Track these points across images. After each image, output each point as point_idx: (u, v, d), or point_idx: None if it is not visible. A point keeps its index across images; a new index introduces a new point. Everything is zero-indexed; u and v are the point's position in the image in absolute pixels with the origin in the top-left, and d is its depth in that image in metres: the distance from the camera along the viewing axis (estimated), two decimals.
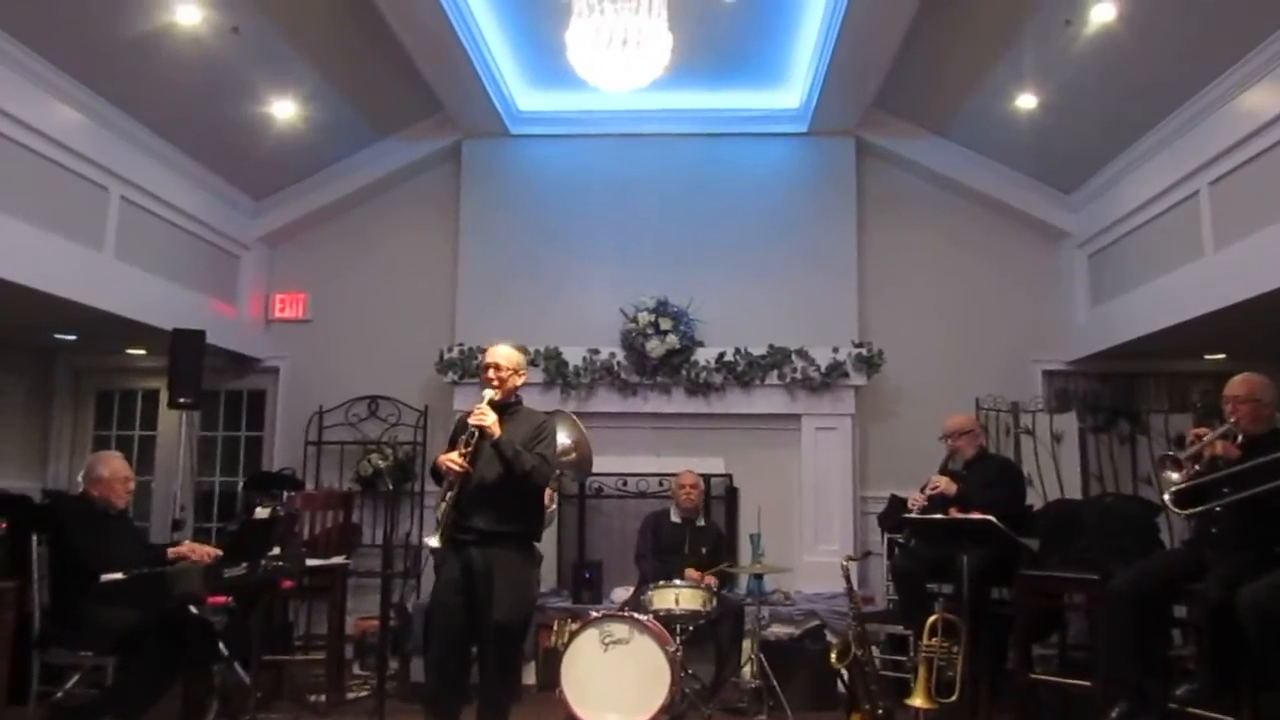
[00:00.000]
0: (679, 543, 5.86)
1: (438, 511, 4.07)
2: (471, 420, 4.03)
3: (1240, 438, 3.93)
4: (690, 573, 5.61)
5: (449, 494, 4.02)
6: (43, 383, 7.51)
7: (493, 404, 4.10)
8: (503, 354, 4.24)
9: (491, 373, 4.18)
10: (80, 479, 4.57)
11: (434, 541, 4.01)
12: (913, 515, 5.07)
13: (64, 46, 5.03)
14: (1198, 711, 3.83)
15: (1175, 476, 3.97)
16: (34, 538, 4.33)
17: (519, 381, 4.27)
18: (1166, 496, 4.00)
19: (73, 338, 6.83)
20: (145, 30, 5.11)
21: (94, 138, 5.53)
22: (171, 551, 4.50)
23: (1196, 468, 3.95)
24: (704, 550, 5.83)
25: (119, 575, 3.95)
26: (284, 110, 6.26)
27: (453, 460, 4.00)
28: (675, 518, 6.00)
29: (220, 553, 4.46)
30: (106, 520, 4.42)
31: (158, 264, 6.18)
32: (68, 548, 4.22)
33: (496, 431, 3.99)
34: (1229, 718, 3.71)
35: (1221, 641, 3.69)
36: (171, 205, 6.30)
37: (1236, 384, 4.05)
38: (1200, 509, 3.91)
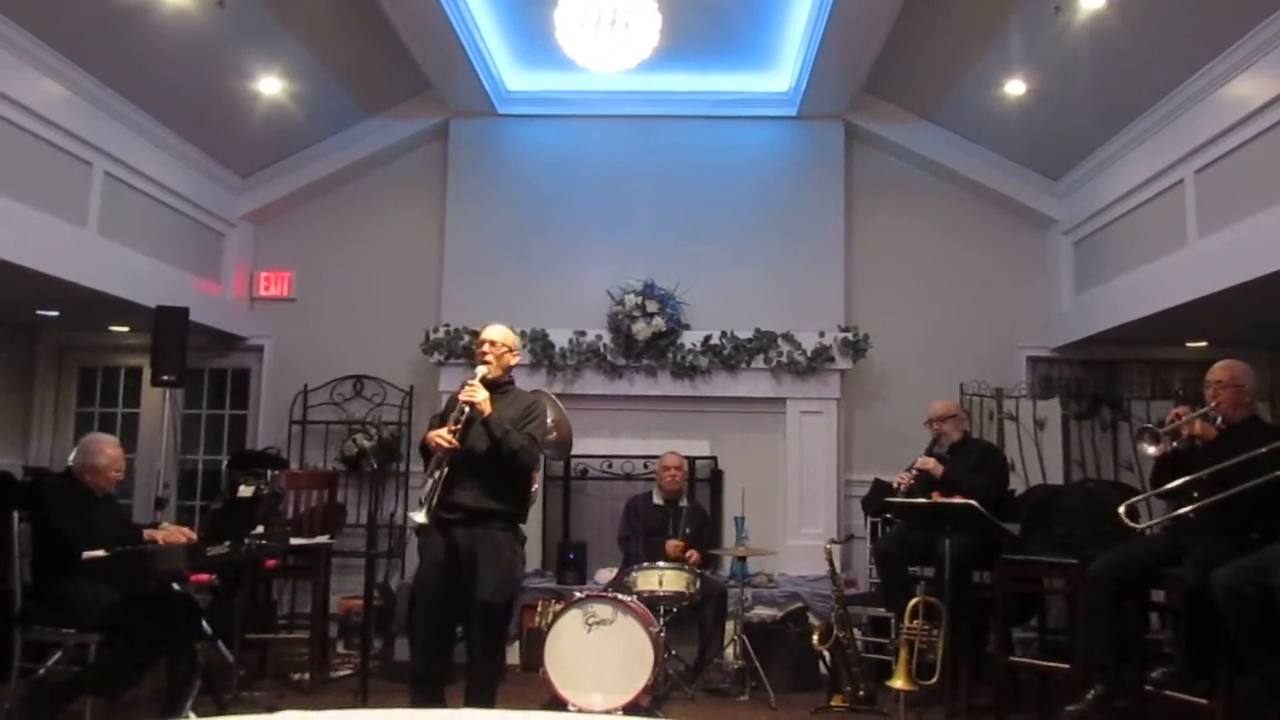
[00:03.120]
0: (662, 524, 5.89)
1: (424, 487, 4.03)
2: (462, 396, 4.01)
3: (1220, 421, 3.97)
4: (672, 545, 5.64)
5: (437, 471, 3.99)
6: (25, 359, 7.45)
7: (485, 382, 4.08)
8: (498, 332, 4.27)
9: (487, 348, 4.18)
10: (71, 459, 4.52)
11: (420, 517, 3.97)
12: (896, 499, 5.09)
13: (48, 20, 4.97)
14: (1173, 694, 3.88)
15: (1152, 450, 4.02)
16: (15, 515, 4.30)
17: (513, 361, 4.29)
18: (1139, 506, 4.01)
19: (55, 314, 6.78)
20: (130, 4, 5.05)
21: (78, 112, 5.47)
22: (148, 534, 4.46)
23: (1175, 445, 3.99)
24: (688, 530, 5.86)
25: (101, 553, 3.93)
26: (270, 87, 6.21)
27: (442, 436, 3.98)
28: (658, 499, 6.03)
29: (194, 535, 4.44)
30: (90, 499, 4.39)
31: (141, 241, 6.13)
32: (49, 526, 4.19)
33: (487, 408, 3.98)
34: (1204, 700, 3.76)
35: (1196, 625, 3.74)
36: (156, 181, 6.25)
37: (1219, 369, 4.09)
38: (1176, 484, 3.93)
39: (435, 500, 3.99)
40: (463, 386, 4.10)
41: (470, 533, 3.99)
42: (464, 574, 3.97)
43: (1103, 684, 3.88)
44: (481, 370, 4.12)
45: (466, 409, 4.00)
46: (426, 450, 4.11)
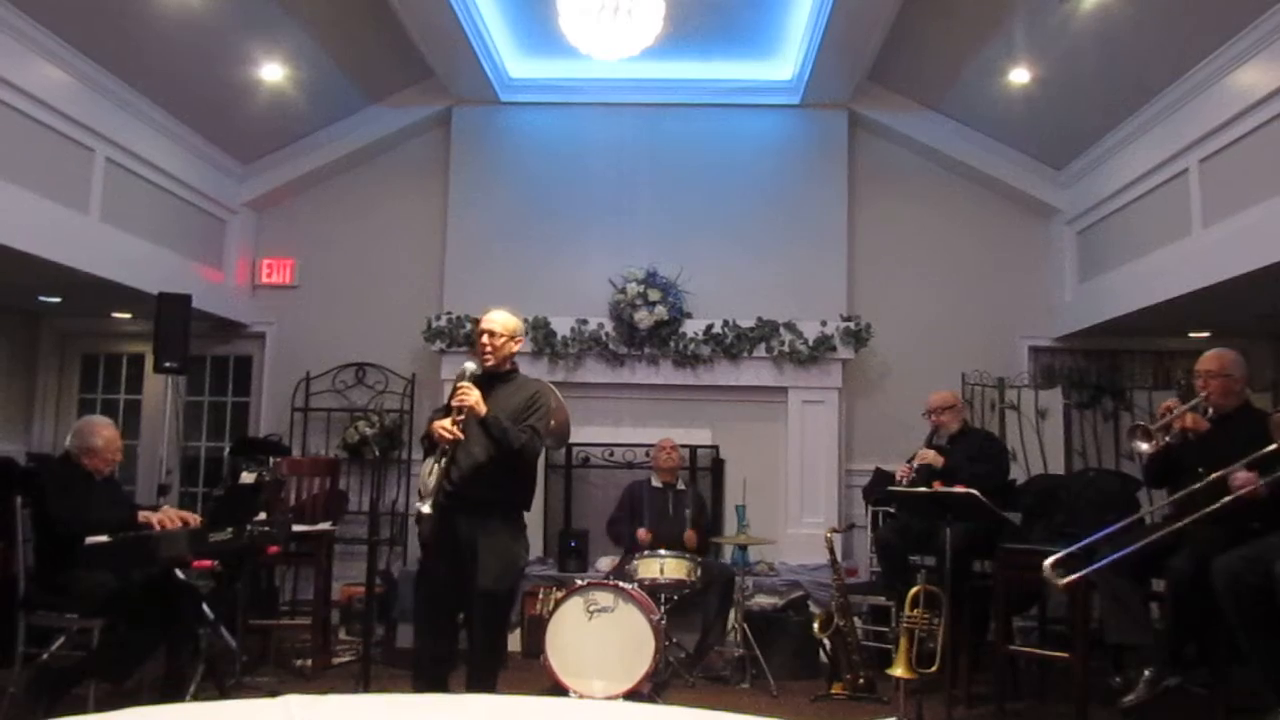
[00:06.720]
0: (662, 507, 5.90)
1: (426, 477, 3.96)
2: (454, 401, 3.91)
3: (1210, 411, 3.96)
4: (688, 536, 5.68)
5: (440, 461, 3.91)
6: (27, 345, 7.46)
7: (484, 373, 4.01)
8: (498, 320, 4.08)
9: (485, 339, 4.04)
10: (68, 441, 4.51)
11: (426, 508, 3.88)
12: (897, 488, 5.10)
13: (50, 5, 4.95)
14: (1173, 684, 3.88)
15: (1144, 447, 4.00)
16: (18, 500, 4.31)
17: (514, 348, 4.13)
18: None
19: (57, 300, 6.78)
20: None
21: (80, 98, 5.46)
22: (143, 515, 4.42)
23: (1167, 439, 3.97)
24: (687, 511, 5.87)
25: (104, 538, 3.93)
26: (272, 74, 6.20)
27: (445, 427, 3.86)
28: (656, 483, 6.05)
29: (197, 517, 4.43)
30: (89, 483, 4.37)
31: (143, 227, 6.13)
32: (45, 512, 4.19)
33: (482, 409, 3.89)
34: (1202, 690, 3.76)
35: (1182, 613, 3.72)
36: (158, 168, 6.24)
37: (1208, 359, 4.07)
38: (1177, 496, 3.90)
39: (438, 490, 3.93)
40: (454, 390, 3.98)
41: (471, 521, 3.94)
42: (465, 562, 3.95)
43: (1154, 666, 3.79)
44: (471, 367, 4.01)
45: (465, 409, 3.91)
46: (429, 438, 4.01)
